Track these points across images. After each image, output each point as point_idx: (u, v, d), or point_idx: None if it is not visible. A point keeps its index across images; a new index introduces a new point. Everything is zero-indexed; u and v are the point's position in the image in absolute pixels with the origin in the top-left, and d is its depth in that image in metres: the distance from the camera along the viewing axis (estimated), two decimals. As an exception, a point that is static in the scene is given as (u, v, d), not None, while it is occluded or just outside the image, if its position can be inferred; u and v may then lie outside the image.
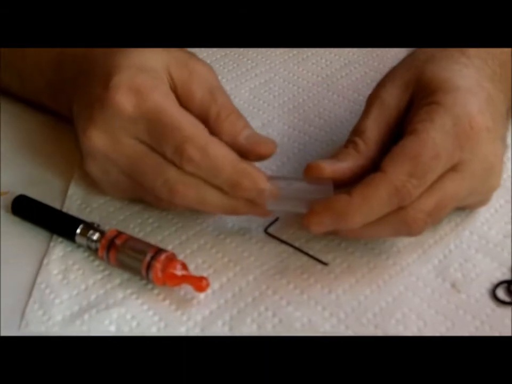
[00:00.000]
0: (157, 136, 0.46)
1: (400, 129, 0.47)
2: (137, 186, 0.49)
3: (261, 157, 0.48)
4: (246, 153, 0.47)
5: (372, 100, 0.49)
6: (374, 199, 0.43)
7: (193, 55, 0.51)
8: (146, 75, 0.47)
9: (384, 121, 0.48)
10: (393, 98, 0.48)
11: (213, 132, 0.47)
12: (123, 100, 0.46)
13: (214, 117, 0.48)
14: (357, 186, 0.44)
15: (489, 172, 0.47)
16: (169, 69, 0.49)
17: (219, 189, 0.46)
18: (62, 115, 0.56)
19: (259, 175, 0.46)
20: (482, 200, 0.50)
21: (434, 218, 0.46)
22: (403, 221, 0.44)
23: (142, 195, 0.50)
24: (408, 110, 0.48)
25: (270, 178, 0.47)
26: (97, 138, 0.47)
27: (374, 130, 0.48)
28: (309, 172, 0.47)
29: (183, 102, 0.48)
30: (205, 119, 0.48)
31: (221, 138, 0.47)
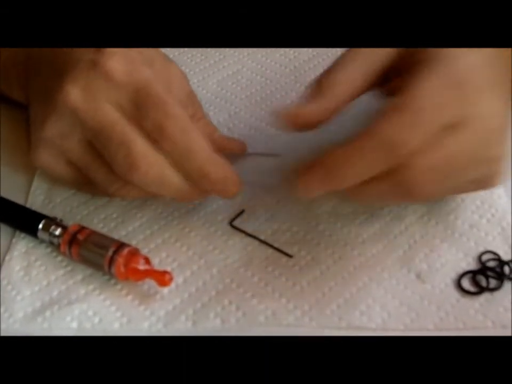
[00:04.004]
0: (140, 107, 0.45)
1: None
2: (92, 158, 0.47)
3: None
4: (220, 149, 0.48)
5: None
6: (366, 151, 0.40)
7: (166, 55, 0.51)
8: (139, 55, 0.48)
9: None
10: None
11: None
12: (115, 64, 0.46)
13: (189, 116, 0.48)
14: (347, 140, 0.41)
15: (491, 134, 0.43)
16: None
17: (183, 174, 0.45)
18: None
19: (233, 176, 0.46)
20: (486, 176, 0.45)
21: (436, 182, 0.42)
22: (403, 181, 0.41)
23: (92, 171, 0.48)
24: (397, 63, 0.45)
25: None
26: (74, 94, 0.46)
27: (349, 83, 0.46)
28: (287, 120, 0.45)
29: None
30: None
31: None
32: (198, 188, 0.46)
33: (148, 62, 0.48)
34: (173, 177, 0.45)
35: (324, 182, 0.42)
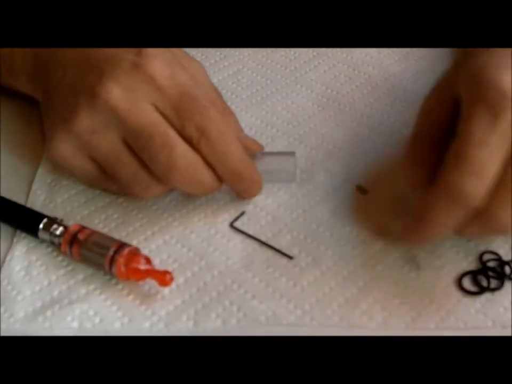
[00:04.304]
0: (183, 110, 0.46)
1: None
2: (123, 156, 0.47)
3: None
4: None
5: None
6: (442, 205, 0.41)
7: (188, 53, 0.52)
8: (173, 57, 0.49)
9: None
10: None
11: None
12: (157, 68, 0.47)
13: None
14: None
15: None
16: None
17: (216, 173, 0.48)
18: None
19: (259, 178, 0.50)
20: None
21: None
22: (489, 223, 0.42)
23: (119, 169, 0.48)
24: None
25: None
26: (116, 93, 0.46)
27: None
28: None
29: None
30: None
31: None
32: (229, 187, 0.49)
33: (180, 63, 0.49)
34: (207, 177, 0.47)
35: (419, 234, 0.44)
